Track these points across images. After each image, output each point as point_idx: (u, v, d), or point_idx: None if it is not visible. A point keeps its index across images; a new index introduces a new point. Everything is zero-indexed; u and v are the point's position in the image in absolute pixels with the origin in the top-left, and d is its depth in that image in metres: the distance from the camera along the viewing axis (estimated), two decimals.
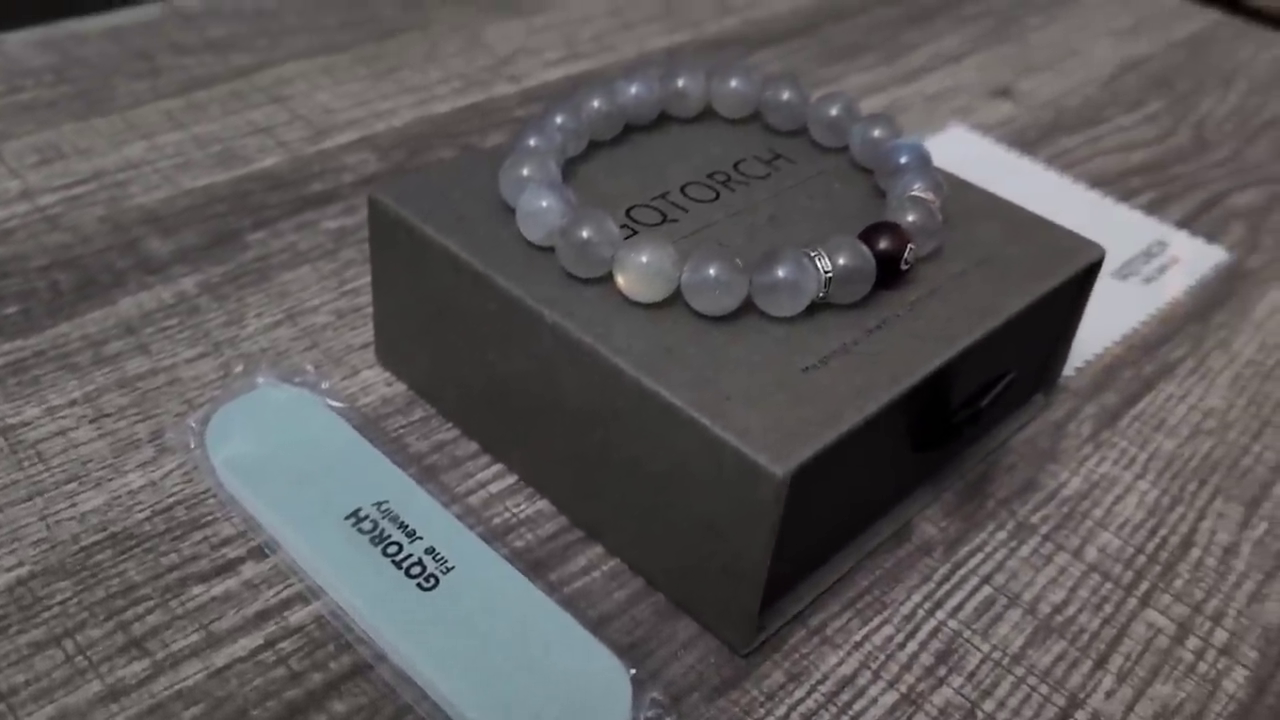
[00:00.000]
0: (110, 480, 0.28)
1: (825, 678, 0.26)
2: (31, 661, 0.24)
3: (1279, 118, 0.53)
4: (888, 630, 0.27)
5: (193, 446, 0.29)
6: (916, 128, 0.48)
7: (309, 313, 0.34)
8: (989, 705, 0.26)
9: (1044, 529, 0.30)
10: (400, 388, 0.32)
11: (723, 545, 0.25)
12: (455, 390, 0.30)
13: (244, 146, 0.41)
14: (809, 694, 0.25)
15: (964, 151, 0.46)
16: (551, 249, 0.27)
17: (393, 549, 0.26)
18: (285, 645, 0.25)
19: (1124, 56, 0.57)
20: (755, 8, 0.57)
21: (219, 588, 0.26)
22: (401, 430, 0.31)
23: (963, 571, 0.29)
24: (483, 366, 0.29)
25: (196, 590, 0.26)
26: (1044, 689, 0.26)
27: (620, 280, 0.26)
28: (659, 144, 0.33)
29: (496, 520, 0.28)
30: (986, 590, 0.28)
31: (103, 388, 0.31)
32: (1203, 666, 0.27)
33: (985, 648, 0.27)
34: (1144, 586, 0.29)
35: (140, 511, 0.27)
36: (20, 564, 0.26)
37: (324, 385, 0.31)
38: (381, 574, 0.25)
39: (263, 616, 0.25)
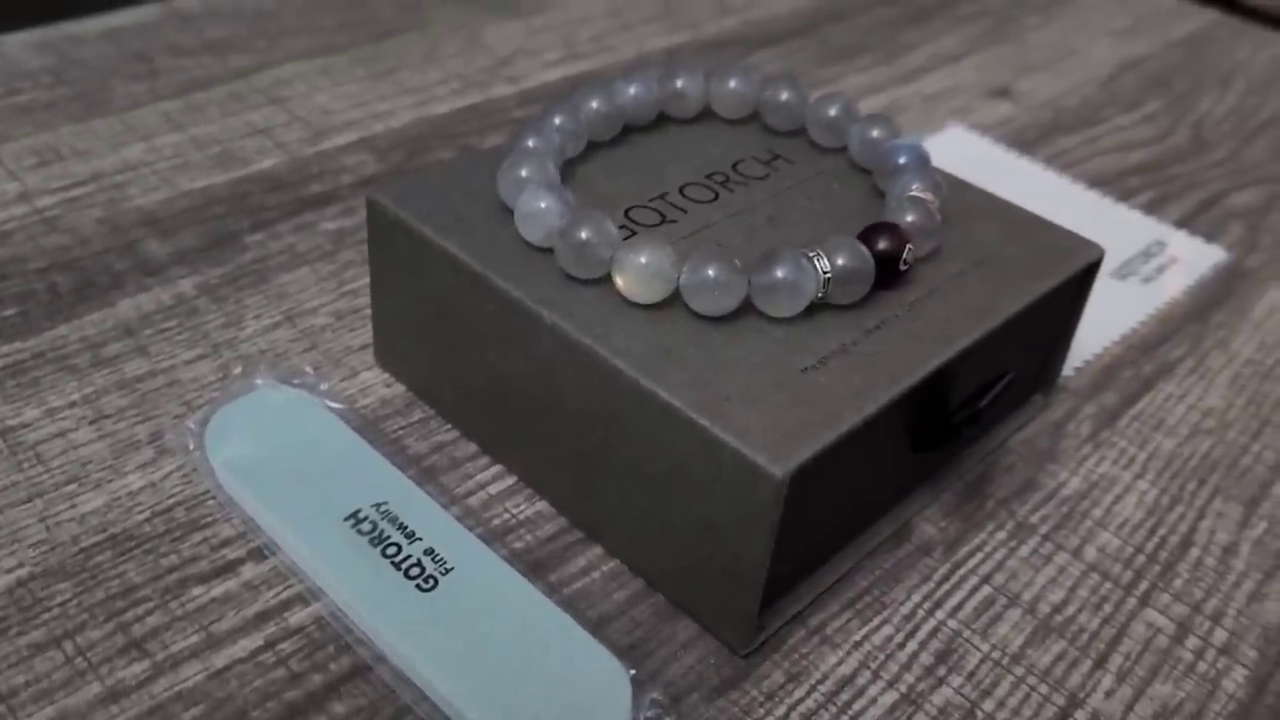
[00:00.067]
0: (110, 482, 0.28)
1: (825, 678, 0.26)
2: (31, 663, 0.24)
3: (1277, 117, 0.53)
4: (887, 630, 0.27)
5: (192, 448, 0.29)
6: (915, 128, 0.48)
7: (308, 314, 0.34)
8: (989, 705, 0.26)
9: (1043, 529, 0.30)
10: (399, 389, 0.32)
11: (722, 546, 0.25)
12: (454, 391, 0.30)
13: (242, 148, 0.41)
14: (809, 694, 0.25)
15: (962, 152, 0.47)
16: (550, 250, 0.27)
17: (392, 550, 0.26)
18: (285, 646, 0.25)
19: (1122, 56, 0.57)
20: (754, 8, 0.57)
21: (219, 589, 0.26)
22: (401, 431, 0.31)
23: (962, 571, 0.29)
24: (482, 367, 0.29)
25: (196, 591, 0.26)
26: (1043, 688, 0.26)
27: (619, 281, 0.26)
28: (658, 145, 0.33)
29: (496, 521, 0.28)
30: (986, 590, 0.28)
31: (102, 389, 0.31)
32: (1202, 666, 0.27)
33: (985, 647, 0.27)
34: (1143, 586, 0.29)
35: (140, 513, 0.27)
36: (20, 565, 0.26)
37: (323, 387, 0.31)
38: (381, 575, 0.25)
39: (262, 618, 0.25)
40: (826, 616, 0.27)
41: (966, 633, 0.27)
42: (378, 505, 0.27)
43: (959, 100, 0.51)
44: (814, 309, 0.27)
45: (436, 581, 0.25)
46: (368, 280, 0.35)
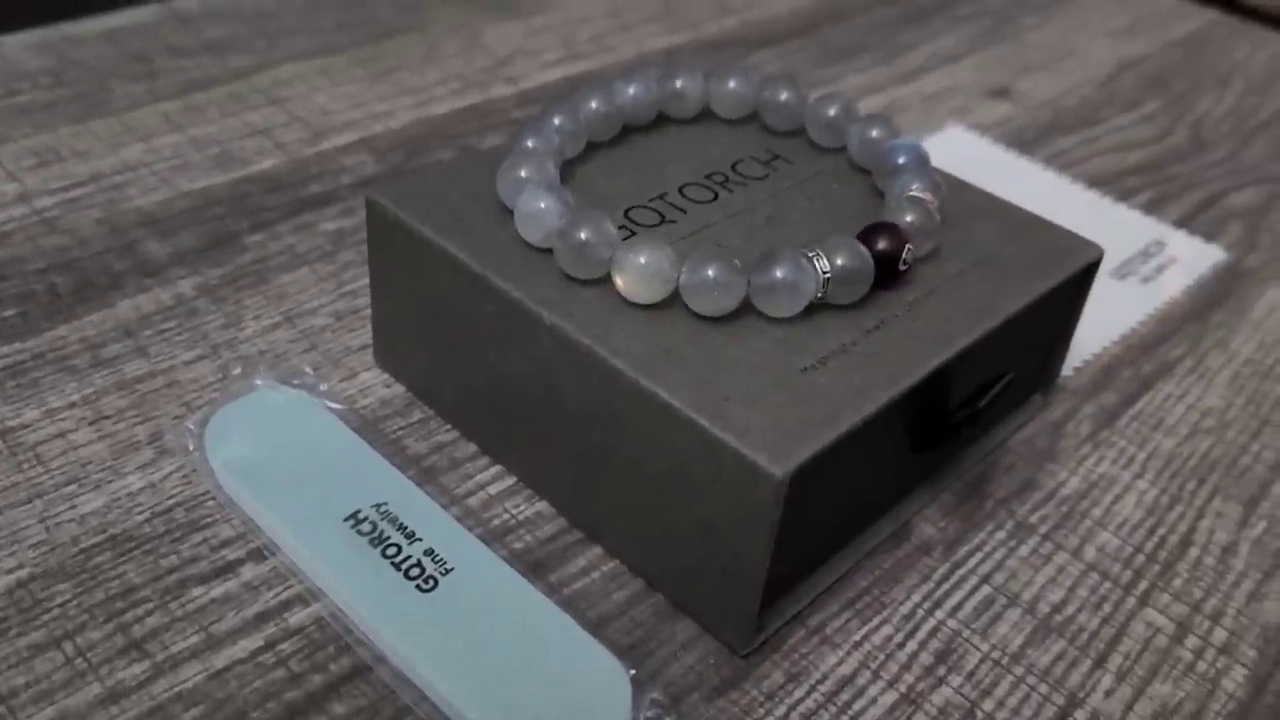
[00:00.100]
0: (110, 482, 0.28)
1: (825, 678, 0.26)
2: (31, 664, 0.24)
3: (1276, 117, 0.53)
4: (887, 630, 0.27)
5: (192, 449, 0.29)
6: (914, 128, 0.48)
7: (307, 315, 0.34)
8: (988, 705, 0.26)
9: (1043, 529, 0.30)
10: (399, 389, 0.32)
11: (722, 546, 0.25)
12: (454, 392, 0.30)
13: (242, 148, 0.41)
14: (808, 694, 0.25)
15: (962, 152, 0.47)
16: (550, 250, 0.27)
17: (392, 550, 0.26)
18: (285, 647, 0.25)
19: (1121, 56, 0.57)
20: (753, 9, 0.57)
21: (219, 589, 0.26)
22: (400, 432, 0.31)
23: (962, 571, 0.29)
24: (481, 368, 0.29)
25: (196, 592, 0.26)
26: (1043, 688, 0.26)
27: (619, 281, 0.26)
28: (657, 145, 0.33)
29: (496, 522, 0.28)
30: (986, 590, 0.28)
31: (101, 390, 0.31)
32: (1202, 665, 0.27)
33: (984, 647, 0.27)
34: (1143, 586, 0.29)
35: (140, 513, 0.27)
36: (20, 566, 0.26)
37: (322, 387, 0.31)
38: (381, 576, 0.25)
39: (262, 618, 0.25)
40: (826, 616, 0.27)
41: (966, 632, 0.27)
42: (377, 506, 0.27)
43: (958, 100, 0.51)
44: (813, 309, 0.27)
45: (436, 582, 0.25)
46: (367, 281, 0.35)
